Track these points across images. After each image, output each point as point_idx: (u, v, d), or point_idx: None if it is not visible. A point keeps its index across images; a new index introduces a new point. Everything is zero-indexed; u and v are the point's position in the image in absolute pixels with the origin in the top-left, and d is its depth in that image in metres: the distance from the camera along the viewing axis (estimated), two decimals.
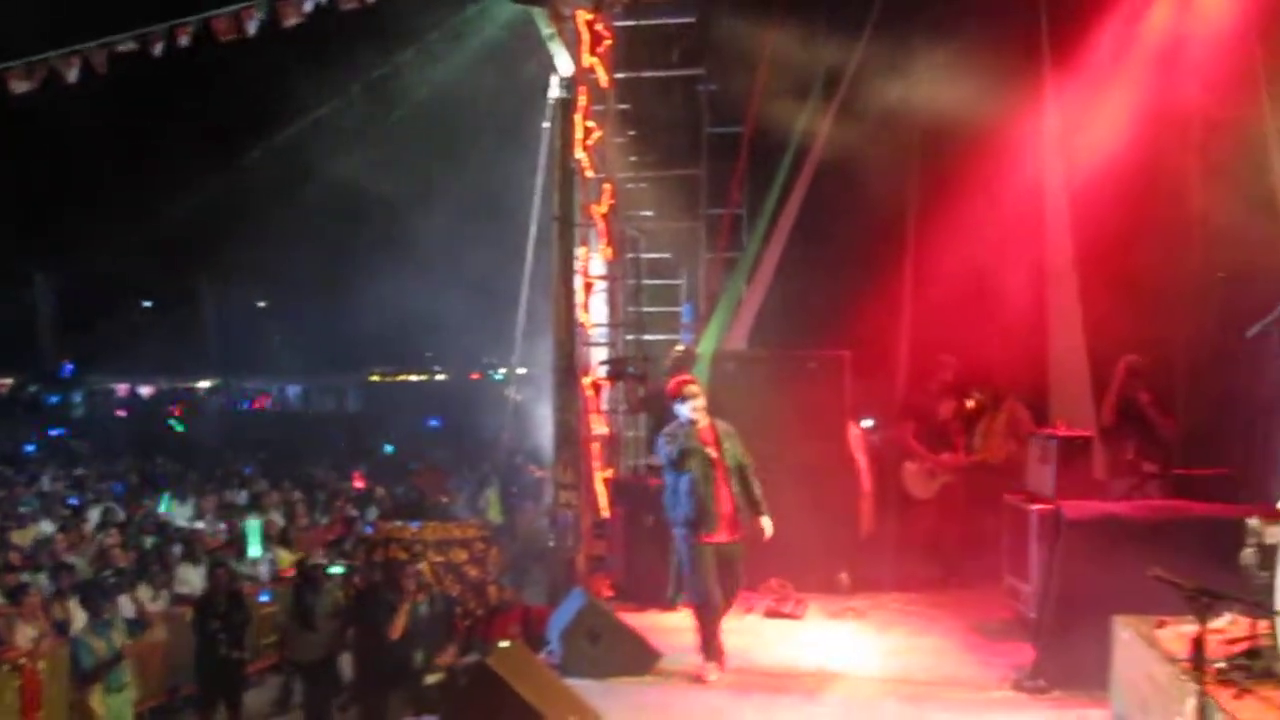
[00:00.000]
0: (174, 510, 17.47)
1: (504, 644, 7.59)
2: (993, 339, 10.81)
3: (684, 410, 8.12)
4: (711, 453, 8.06)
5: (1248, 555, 5.25)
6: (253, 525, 15.36)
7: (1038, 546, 8.33)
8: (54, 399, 35.07)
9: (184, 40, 9.42)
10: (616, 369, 10.60)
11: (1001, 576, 9.26)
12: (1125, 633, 5.25)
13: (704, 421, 8.13)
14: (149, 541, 14.81)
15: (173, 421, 32.68)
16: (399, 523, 12.15)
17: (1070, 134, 10.98)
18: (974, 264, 10.94)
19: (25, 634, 11.21)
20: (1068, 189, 10.92)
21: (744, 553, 8.18)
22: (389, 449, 19.26)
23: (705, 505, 7.93)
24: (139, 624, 10.86)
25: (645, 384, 10.30)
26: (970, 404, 11.03)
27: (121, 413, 35.22)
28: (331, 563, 12.95)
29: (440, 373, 47.35)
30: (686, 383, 8.37)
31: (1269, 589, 4.98)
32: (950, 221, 10.87)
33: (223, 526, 16.09)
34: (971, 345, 10.88)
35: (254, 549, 14.48)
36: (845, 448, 10.58)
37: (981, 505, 10.12)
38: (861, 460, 10.73)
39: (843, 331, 11.11)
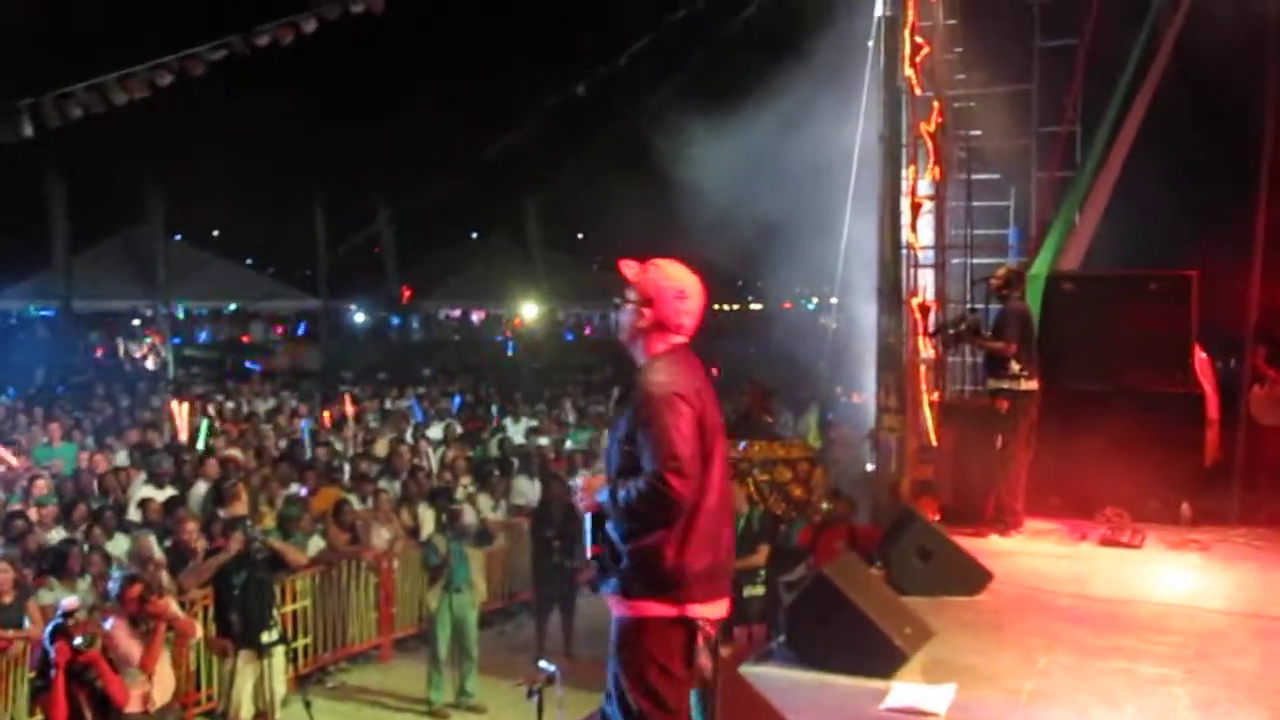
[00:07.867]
0: (509, 426, 18.46)
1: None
2: None
3: None
4: None
5: None
6: (580, 438, 16.11)
7: None
8: (395, 322, 37.42)
9: None
10: (943, 338, 10.55)
11: None
12: None
13: None
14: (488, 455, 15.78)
15: (509, 347, 34.36)
16: None
17: None
18: None
19: (381, 536, 12.27)
20: None
21: None
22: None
23: None
24: (483, 533, 11.56)
25: (976, 341, 10.01)
26: None
27: (455, 337, 37.29)
28: None
29: (753, 302, 47.64)
30: None
31: None
32: None
33: (548, 441, 16.89)
34: None
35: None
36: (1190, 373, 10.09)
37: None
38: (1206, 387, 10.23)
39: (1187, 256, 10.52)
